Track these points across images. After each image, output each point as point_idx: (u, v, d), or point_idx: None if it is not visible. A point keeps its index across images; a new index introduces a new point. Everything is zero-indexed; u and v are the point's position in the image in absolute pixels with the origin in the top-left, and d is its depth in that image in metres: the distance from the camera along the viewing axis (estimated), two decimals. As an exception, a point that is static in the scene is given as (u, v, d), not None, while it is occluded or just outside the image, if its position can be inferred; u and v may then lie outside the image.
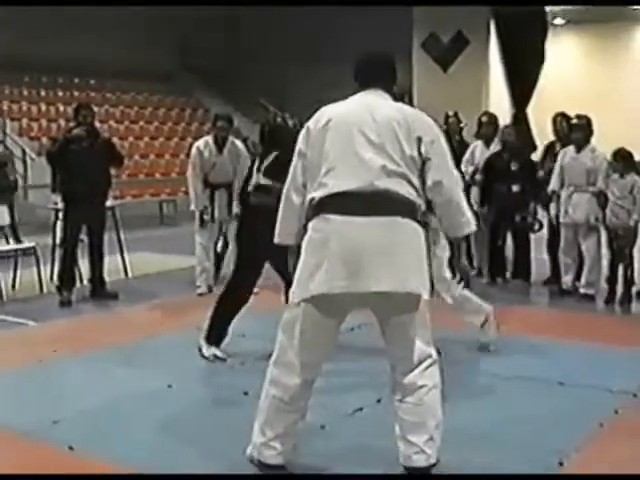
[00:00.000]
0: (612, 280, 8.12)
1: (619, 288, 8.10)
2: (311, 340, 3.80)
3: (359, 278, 3.60)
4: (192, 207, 8.68)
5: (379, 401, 5.03)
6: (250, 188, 6.12)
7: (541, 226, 8.60)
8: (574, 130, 8.22)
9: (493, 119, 9.30)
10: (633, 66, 20.10)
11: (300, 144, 3.94)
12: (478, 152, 8.99)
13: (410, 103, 19.87)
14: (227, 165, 8.67)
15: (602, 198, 7.93)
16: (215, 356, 6.20)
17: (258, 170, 6.09)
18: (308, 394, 3.95)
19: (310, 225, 3.76)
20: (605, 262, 8.21)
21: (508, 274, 8.97)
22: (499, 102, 15.93)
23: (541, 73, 15.39)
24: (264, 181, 5.99)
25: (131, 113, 21.31)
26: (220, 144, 8.63)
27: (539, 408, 5.01)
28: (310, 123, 3.94)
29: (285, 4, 18.77)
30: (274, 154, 6.02)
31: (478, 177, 8.82)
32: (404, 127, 3.72)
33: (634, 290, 8.13)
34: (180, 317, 7.73)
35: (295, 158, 3.95)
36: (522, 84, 15.55)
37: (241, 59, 22.61)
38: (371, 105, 3.84)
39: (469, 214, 3.90)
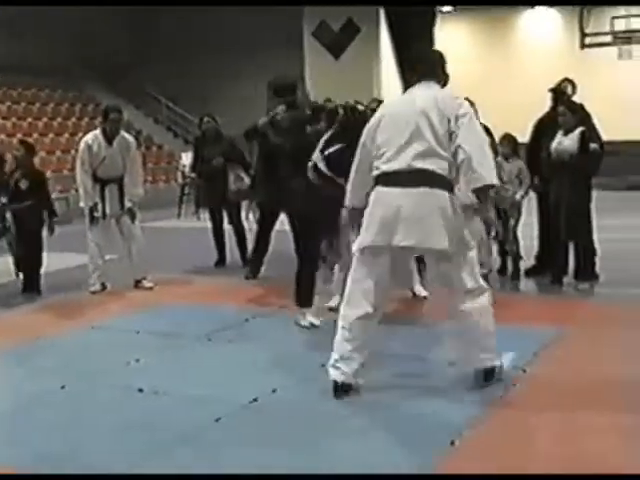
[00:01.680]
0: (502, 253, 8.52)
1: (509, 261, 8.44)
2: (367, 283, 4.82)
3: (393, 235, 4.68)
4: (81, 204, 8.52)
5: (274, 391, 5.06)
6: (310, 164, 6.65)
7: None
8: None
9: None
10: (518, 50, 20.63)
11: (364, 136, 5.00)
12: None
13: (303, 91, 20.01)
14: (117, 159, 8.54)
15: None
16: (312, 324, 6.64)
17: (321, 151, 6.63)
18: (369, 328, 4.88)
19: (371, 195, 4.87)
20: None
21: None
22: (391, 88, 16.11)
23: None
24: (324, 169, 6.56)
25: (18, 109, 20.74)
26: (110, 137, 8.49)
27: (431, 389, 5.09)
28: (373, 120, 5.01)
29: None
30: (339, 146, 6.50)
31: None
32: (436, 112, 4.73)
33: (521, 264, 8.42)
34: (73, 316, 7.59)
35: (360, 147, 5.03)
36: (413, 71, 15.71)
37: (132, 53, 22.30)
38: (413, 98, 4.92)
39: (488, 173, 4.71)
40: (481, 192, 4.76)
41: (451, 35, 19.29)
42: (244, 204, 9.66)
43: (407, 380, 5.29)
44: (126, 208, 8.61)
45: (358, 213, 5.08)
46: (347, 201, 5.24)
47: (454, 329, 5.10)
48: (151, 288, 8.63)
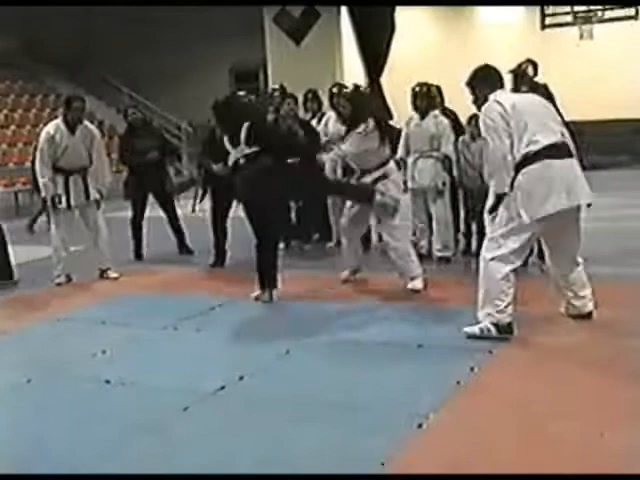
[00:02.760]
0: (467, 235, 8.62)
1: (474, 242, 8.51)
2: (523, 243, 5.65)
3: (575, 197, 5.58)
4: (42, 194, 8.43)
5: (241, 379, 5.06)
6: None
7: None
8: (417, 98, 8.42)
9: (344, 90, 9.34)
10: (480, 32, 20.68)
11: (500, 123, 5.59)
12: (331, 123, 9.03)
13: (265, 79, 19.90)
14: (80, 148, 8.46)
15: (447, 162, 8.23)
16: (256, 298, 7.01)
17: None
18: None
19: (527, 170, 5.53)
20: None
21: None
22: (353, 73, 16.07)
23: (392, 43, 15.59)
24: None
25: (-22, 102, 20.51)
26: (72, 126, 8.41)
27: (398, 372, 5.12)
28: (500, 109, 5.63)
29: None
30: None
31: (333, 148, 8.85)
32: (547, 106, 5.91)
33: None
34: (39, 309, 7.52)
35: (498, 132, 5.63)
36: (374, 55, 15.71)
37: (91, 43, 22.08)
38: (526, 96, 6.28)
39: None
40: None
41: (411, 17, 19.27)
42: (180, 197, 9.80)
43: (374, 363, 5.31)
44: (92, 198, 8.53)
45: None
46: (502, 187, 5.70)
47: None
48: (116, 278, 8.58)
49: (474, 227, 8.55)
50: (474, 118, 8.47)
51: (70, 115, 8.44)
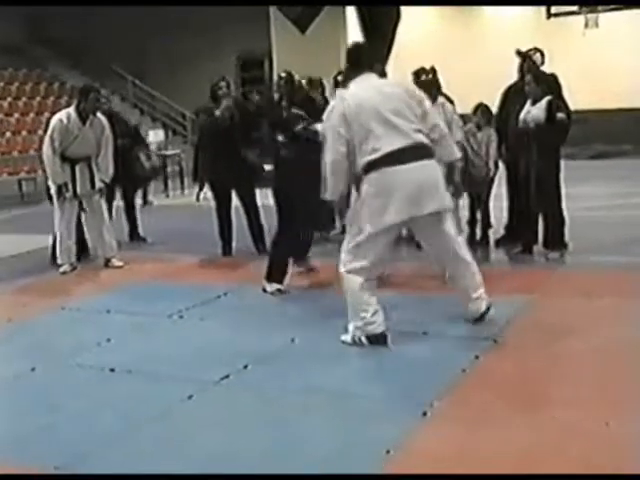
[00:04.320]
0: (472, 222, 8.58)
1: (478, 230, 8.55)
2: (376, 256, 5.33)
3: (421, 206, 5.19)
4: (50, 182, 8.43)
5: (246, 367, 5.07)
6: None
7: None
8: (421, 86, 8.36)
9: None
10: (485, 21, 20.63)
11: (338, 126, 5.23)
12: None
13: (270, 67, 19.85)
14: (90, 138, 8.46)
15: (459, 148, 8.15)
16: (278, 290, 6.87)
17: None
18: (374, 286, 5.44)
19: (367, 179, 5.21)
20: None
21: None
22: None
23: (396, 32, 15.52)
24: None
25: (-19, 90, 20.48)
26: (85, 117, 8.41)
27: (403, 360, 5.13)
28: (341, 109, 5.26)
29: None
30: None
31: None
32: (408, 96, 5.35)
33: (491, 233, 8.57)
34: (44, 298, 7.54)
35: (334, 136, 5.27)
36: (379, 42, 15.63)
37: (96, 29, 22.02)
38: (380, 86, 5.42)
39: (455, 148, 5.65)
40: (454, 163, 5.65)
41: (417, 7, 19.21)
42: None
43: (379, 351, 5.32)
44: (97, 188, 8.54)
45: (345, 199, 5.57)
46: (332, 191, 5.41)
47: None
48: (121, 267, 8.59)
49: (479, 215, 8.57)
50: (480, 107, 8.48)
51: (84, 105, 8.42)
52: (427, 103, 5.48)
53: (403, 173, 5.18)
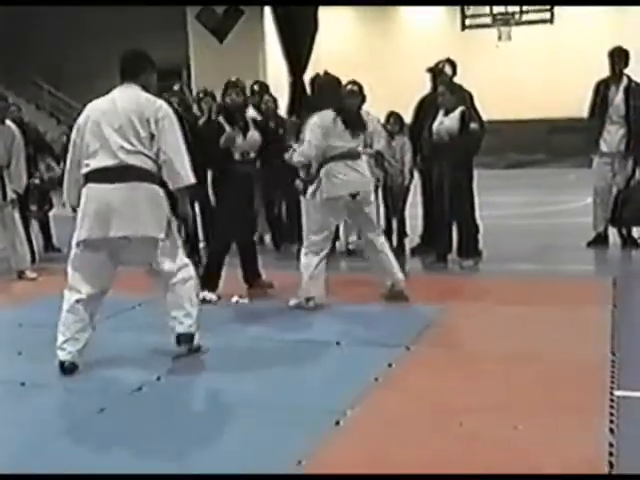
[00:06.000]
0: (388, 231, 8.66)
1: (394, 239, 8.73)
2: (87, 270, 5.21)
3: (109, 227, 5.05)
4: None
5: (159, 379, 5.02)
6: None
7: None
8: (349, 96, 8.42)
9: (264, 87, 9.39)
10: (401, 31, 20.90)
11: (73, 135, 5.28)
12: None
13: (188, 76, 19.74)
14: (0, 148, 8.28)
15: (380, 159, 8.24)
16: (204, 299, 6.46)
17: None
18: (92, 309, 5.28)
19: (82, 192, 5.17)
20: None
21: None
22: (277, 70, 16.07)
23: (315, 41, 15.62)
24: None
25: None
26: None
27: (316, 369, 5.16)
28: (80, 119, 5.27)
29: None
30: None
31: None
32: (137, 114, 5.09)
33: (406, 242, 8.69)
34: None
35: (71, 146, 5.29)
36: (297, 52, 15.71)
37: (10, 38, 21.62)
38: (115, 99, 5.23)
39: (187, 173, 5.18)
40: (181, 190, 5.25)
41: (336, 16, 19.36)
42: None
43: (292, 361, 5.33)
44: (9, 199, 8.37)
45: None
46: (65, 198, 5.51)
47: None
48: (35, 279, 8.43)
49: (394, 224, 8.67)
50: (392, 115, 8.59)
51: None
52: (166, 123, 5.14)
53: (99, 192, 5.09)
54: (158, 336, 5.99)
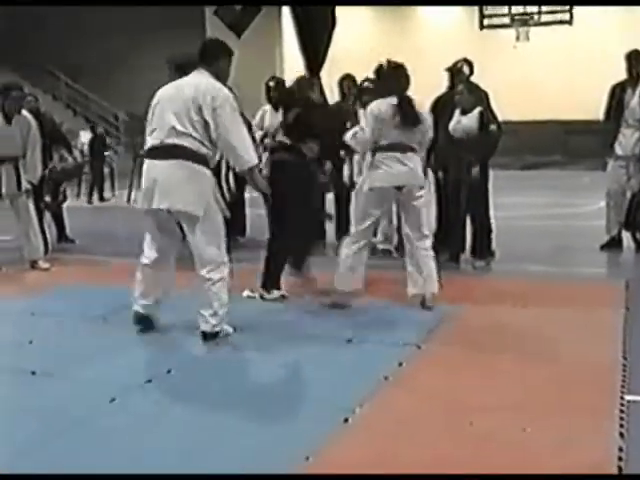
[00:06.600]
0: (400, 229, 8.49)
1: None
2: (149, 236, 5.82)
3: (152, 199, 5.52)
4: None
5: (169, 372, 5.03)
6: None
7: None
8: (364, 93, 8.45)
9: (281, 83, 9.38)
10: (420, 31, 20.85)
11: (149, 115, 5.68)
12: (267, 117, 9.05)
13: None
14: (16, 138, 8.31)
15: None
16: (282, 296, 6.78)
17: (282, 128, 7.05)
18: (158, 271, 5.85)
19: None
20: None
21: None
22: (294, 66, 16.06)
23: (332, 38, 15.60)
24: (284, 139, 6.92)
25: None
26: (10, 116, 8.25)
27: (326, 367, 5.14)
28: (153, 101, 5.69)
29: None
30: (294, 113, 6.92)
31: (267, 141, 8.84)
32: (193, 100, 5.43)
33: None
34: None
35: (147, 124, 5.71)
36: (314, 49, 15.69)
37: (28, 26, 21.69)
38: (183, 85, 5.60)
39: (250, 156, 5.55)
40: (249, 172, 5.62)
41: (354, 14, 19.34)
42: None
43: (303, 358, 5.34)
44: (24, 189, 8.40)
45: None
46: None
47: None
48: (47, 269, 8.46)
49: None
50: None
51: (7, 104, 8.26)
52: (226, 110, 5.43)
53: (150, 167, 5.63)
54: (170, 329, 6.02)
